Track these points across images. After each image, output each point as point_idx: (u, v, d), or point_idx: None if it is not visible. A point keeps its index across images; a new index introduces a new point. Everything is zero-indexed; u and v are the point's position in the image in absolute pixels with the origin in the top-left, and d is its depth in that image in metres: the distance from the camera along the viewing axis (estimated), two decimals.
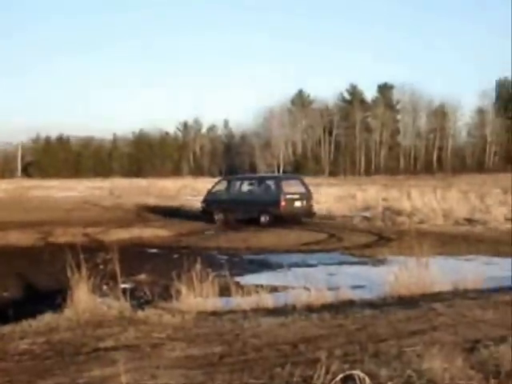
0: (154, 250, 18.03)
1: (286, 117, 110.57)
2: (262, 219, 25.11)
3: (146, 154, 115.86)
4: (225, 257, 16.20)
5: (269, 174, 32.69)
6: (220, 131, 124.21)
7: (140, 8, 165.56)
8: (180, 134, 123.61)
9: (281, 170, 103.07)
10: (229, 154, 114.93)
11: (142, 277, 12.60)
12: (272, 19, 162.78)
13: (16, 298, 11.33)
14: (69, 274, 8.58)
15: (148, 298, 9.43)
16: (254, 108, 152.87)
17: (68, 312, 7.87)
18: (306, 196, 26.28)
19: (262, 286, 9.52)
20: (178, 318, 7.66)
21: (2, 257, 16.65)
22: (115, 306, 8.23)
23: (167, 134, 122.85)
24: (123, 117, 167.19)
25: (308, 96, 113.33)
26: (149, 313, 7.98)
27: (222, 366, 5.53)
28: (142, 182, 68.42)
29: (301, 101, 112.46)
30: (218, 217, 26.53)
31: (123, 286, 9.24)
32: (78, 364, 5.76)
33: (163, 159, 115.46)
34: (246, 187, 27.91)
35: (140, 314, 7.97)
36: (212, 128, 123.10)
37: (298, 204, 25.74)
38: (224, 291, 9.59)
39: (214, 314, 8.09)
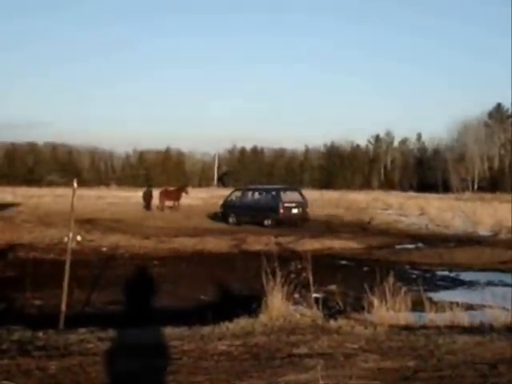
0: (345, 262, 18.09)
1: (482, 131, 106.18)
2: (265, 222, 30.71)
3: (336, 167, 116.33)
4: (417, 272, 15.93)
5: (272, 186, 38.61)
6: (412, 145, 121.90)
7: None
8: (371, 147, 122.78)
9: (475, 186, 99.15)
10: (420, 169, 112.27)
11: (333, 287, 12.65)
12: (471, 31, 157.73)
13: (213, 301, 11.84)
14: (264, 281, 8.83)
15: (340, 308, 9.48)
16: (449, 122, 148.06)
17: (263, 317, 8.09)
18: (303, 204, 32.08)
19: (456, 303, 9.22)
20: (370, 330, 7.63)
21: (200, 262, 17.48)
22: (308, 314, 8.35)
23: (358, 146, 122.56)
24: (315, 128, 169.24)
25: (507, 110, 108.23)
26: (341, 323, 8.02)
27: (417, 380, 5.45)
28: (332, 194, 68.73)
29: (499, 115, 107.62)
30: (232, 220, 32.19)
31: (315, 295, 9.34)
32: (274, 368, 5.92)
33: (354, 172, 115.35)
34: (254, 196, 33.83)
35: (332, 323, 8.03)
36: (404, 141, 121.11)
37: (294, 211, 31.47)
38: (416, 306, 9.42)
39: (407, 328, 7.97)
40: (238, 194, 34.68)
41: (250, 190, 35.49)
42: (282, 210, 30.84)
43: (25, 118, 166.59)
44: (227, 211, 33.10)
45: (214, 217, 35.02)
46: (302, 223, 31.00)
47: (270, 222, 30.72)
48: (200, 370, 5.88)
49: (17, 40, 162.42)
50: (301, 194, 33.22)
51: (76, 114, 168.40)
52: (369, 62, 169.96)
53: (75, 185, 9.31)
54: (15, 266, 16.03)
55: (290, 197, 32.43)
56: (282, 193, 32.58)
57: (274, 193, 32.83)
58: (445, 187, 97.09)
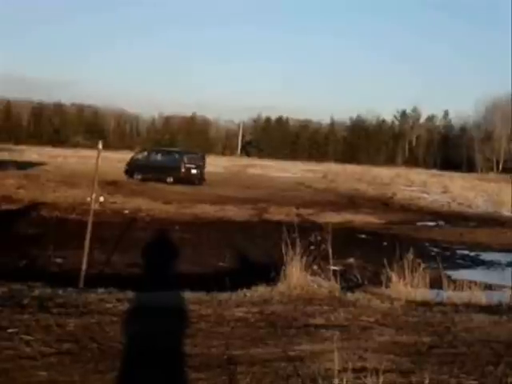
0: (364, 236, 18.06)
1: (510, 110, 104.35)
2: (168, 180, 35.72)
3: (361, 141, 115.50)
4: (436, 249, 15.87)
5: (175, 149, 46.18)
6: (439, 122, 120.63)
7: None
8: (397, 123, 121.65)
9: (500, 167, 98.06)
10: (445, 146, 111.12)
11: (352, 260, 12.68)
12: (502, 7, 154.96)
13: (232, 268, 11.90)
14: (283, 250, 8.84)
15: (357, 281, 9.49)
16: (477, 99, 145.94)
17: (281, 286, 8.12)
18: (201, 167, 37.81)
19: (475, 282, 9.19)
20: (386, 304, 7.64)
21: (220, 229, 17.55)
22: (325, 285, 8.36)
23: (384, 121, 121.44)
24: (342, 101, 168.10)
25: None
26: (358, 296, 8.03)
27: (431, 356, 5.46)
28: (355, 168, 68.40)
29: None
30: (137, 176, 36.55)
31: (333, 267, 9.35)
32: (289, 337, 5.96)
33: (378, 147, 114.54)
34: (159, 157, 38.81)
35: (349, 296, 8.05)
36: (431, 118, 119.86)
37: (193, 171, 37.01)
38: (435, 283, 9.40)
39: (424, 304, 7.96)
40: (145, 154, 39.85)
41: (156, 151, 41.08)
42: (183, 170, 36.49)
43: (52, 78, 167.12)
44: (133, 168, 37.79)
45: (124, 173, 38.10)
46: (199, 182, 36.85)
47: (171, 179, 35.88)
48: (216, 334, 5.94)
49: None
50: (201, 158, 39.16)
51: (103, 76, 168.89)
52: (399, 37, 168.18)
53: (100, 146, 9.36)
54: (38, 224, 16.21)
55: (190, 159, 37.94)
56: (184, 155, 38.25)
57: (177, 155, 38.60)
58: (469, 166, 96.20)
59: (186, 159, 37.48)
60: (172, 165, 36.76)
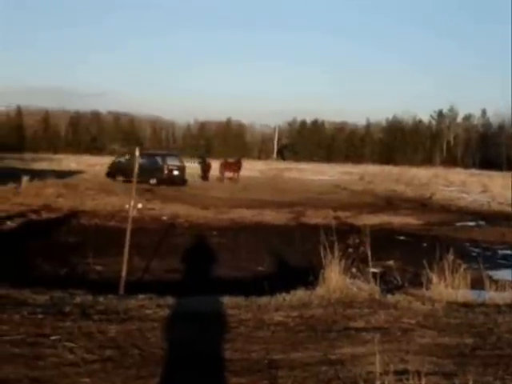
0: (403, 238, 17.90)
1: None
2: (151, 181, 36.03)
3: (398, 141, 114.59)
4: (477, 249, 15.67)
5: (157, 151, 48.85)
6: (476, 121, 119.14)
7: None
8: (434, 122, 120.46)
9: None
10: (484, 145, 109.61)
11: (391, 262, 12.59)
12: None
13: (270, 272, 11.89)
14: (322, 254, 8.79)
15: (397, 283, 9.41)
16: None
17: (320, 290, 8.07)
18: (181, 168, 39.49)
19: None
20: (427, 306, 7.55)
21: (258, 233, 17.54)
22: (365, 288, 8.28)
23: (420, 121, 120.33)
24: (377, 102, 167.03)
25: None
26: (398, 298, 7.94)
27: (474, 358, 5.38)
28: (392, 169, 67.83)
29: None
30: (119, 178, 37.11)
31: (372, 269, 9.28)
32: (330, 340, 5.93)
33: (415, 147, 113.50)
34: (141, 159, 33.47)
35: (389, 298, 7.96)
36: (468, 117, 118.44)
37: (175, 173, 38.70)
38: (476, 284, 9.27)
39: (465, 305, 7.85)
40: (126, 157, 39.77)
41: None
42: (166, 172, 38.11)
43: (89, 87, 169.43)
44: (114, 171, 39.41)
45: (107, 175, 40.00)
46: (180, 183, 38.16)
47: (155, 180, 36.67)
48: (256, 339, 5.94)
49: (81, 12, 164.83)
50: (181, 160, 41.20)
51: (139, 84, 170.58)
52: (434, 38, 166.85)
53: (137, 153, 9.44)
54: (78, 232, 16.40)
55: (172, 161, 39.86)
56: (166, 157, 40.16)
57: (159, 157, 40.06)
58: (509, 165, 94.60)
59: (168, 161, 39.16)
60: (155, 167, 37.74)
